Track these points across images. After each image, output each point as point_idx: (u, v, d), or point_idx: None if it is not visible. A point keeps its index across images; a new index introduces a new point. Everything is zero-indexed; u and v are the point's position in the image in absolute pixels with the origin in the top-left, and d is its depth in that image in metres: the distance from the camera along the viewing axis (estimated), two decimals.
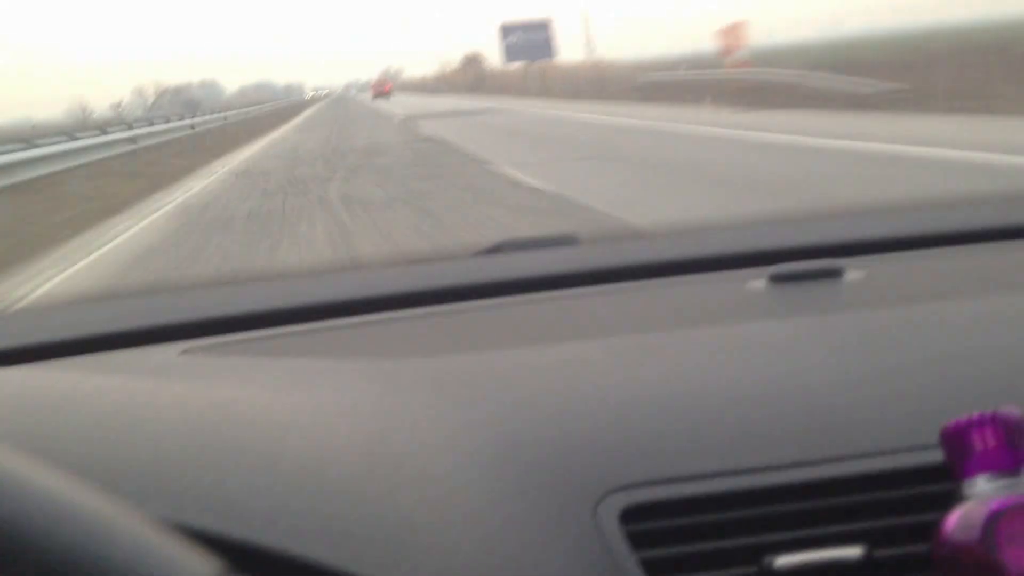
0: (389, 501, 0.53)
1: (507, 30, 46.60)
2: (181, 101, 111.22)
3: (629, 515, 0.55)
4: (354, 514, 0.51)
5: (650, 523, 0.55)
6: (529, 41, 45.44)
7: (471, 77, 62.61)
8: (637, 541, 0.54)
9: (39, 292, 5.96)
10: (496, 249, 1.13)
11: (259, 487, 0.51)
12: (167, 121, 25.79)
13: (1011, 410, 0.53)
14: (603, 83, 30.88)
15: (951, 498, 0.53)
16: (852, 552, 0.54)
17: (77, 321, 0.99)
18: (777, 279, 0.89)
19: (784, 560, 0.53)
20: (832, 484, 0.57)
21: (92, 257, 7.42)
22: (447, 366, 0.76)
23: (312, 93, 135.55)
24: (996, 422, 0.53)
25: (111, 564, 0.34)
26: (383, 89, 67.84)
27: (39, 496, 0.34)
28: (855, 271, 0.91)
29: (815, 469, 0.58)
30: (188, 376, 0.76)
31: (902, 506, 0.57)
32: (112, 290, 4.24)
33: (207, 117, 30.85)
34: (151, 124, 23.60)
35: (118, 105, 78.22)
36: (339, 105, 57.03)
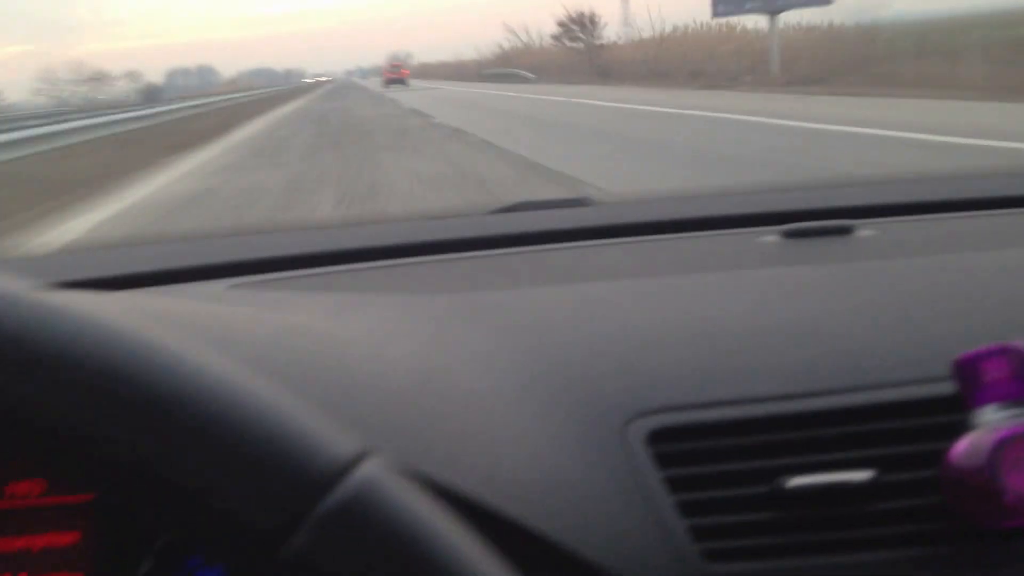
0: (445, 411, 0.58)
1: None
2: (137, 89, 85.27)
3: (655, 437, 0.59)
4: (415, 422, 0.55)
5: (674, 445, 0.59)
6: None
7: (580, 53, 35.66)
8: (662, 461, 0.58)
9: None
10: (512, 208, 1.15)
11: (323, 397, 0.54)
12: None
13: (1022, 342, 0.56)
14: None
15: (961, 427, 0.56)
16: (861, 476, 0.57)
17: (116, 261, 1.03)
18: (790, 234, 0.93)
19: (795, 481, 0.56)
20: (844, 413, 0.60)
21: None
22: (477, 300, 0.80)
23: (311, 80, 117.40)
24: (1007, 353, 0.56)
25: (257, 433, 0.34)
26: (398, 74, 49.96)
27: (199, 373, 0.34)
28: (866, 230, 0.94)
29: (828, 399, 0.61)
30: (238, 304, 0.80)
31: (912, 435, 0.59)
32: (149, 235, 3.79)
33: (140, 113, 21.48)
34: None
35: None
36: (338, 98, 32.89)
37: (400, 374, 0.61)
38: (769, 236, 0.94)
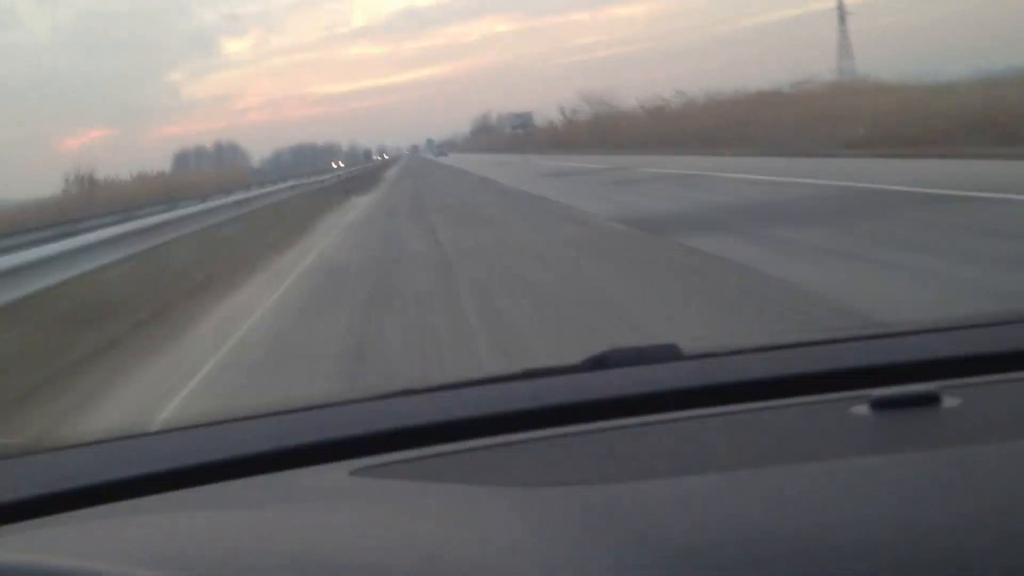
0: None
1: None
2: None
3: None
4: None
5: None
6: None
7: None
8: None
9: None
10: (603, 361, 1.20)
11: None
12: None
13: None
14: None
15: None
16: None
17: (229, 441, 1.06)
18: (878, 405, 0.95)
19: None
20: None
21: None
22: (588, 499, 0.83)
23: (339, 166, 62.18)
24: None
25: None
26: None
27: None
28: (953, 398, 0.95)
29: None
30: (352, 499, 0.85)
31: None
32: (264, 406, 2.29)
33: None
34: None
35: None
36: None
37: None
38: (859, 407, 0.97)
